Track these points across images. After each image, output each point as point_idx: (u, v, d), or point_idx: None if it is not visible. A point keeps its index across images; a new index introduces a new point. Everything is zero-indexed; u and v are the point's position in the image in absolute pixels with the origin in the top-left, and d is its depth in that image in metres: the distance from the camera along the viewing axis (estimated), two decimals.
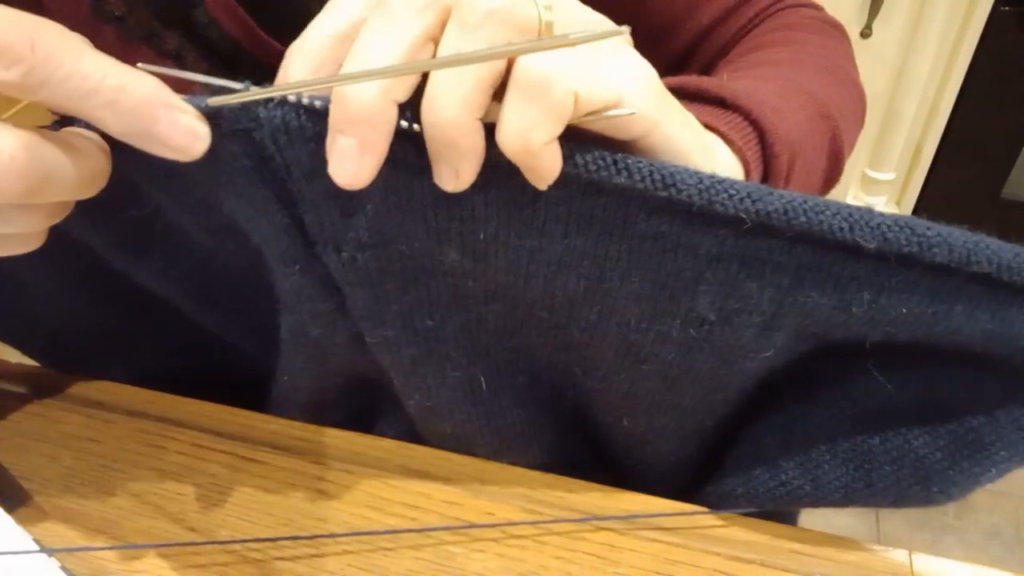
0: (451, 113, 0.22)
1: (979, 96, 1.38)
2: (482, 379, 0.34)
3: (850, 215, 0.25)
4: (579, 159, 0.25)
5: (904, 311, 0.26)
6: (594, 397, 0.35)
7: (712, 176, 0.25)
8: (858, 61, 0.46)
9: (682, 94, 0.29)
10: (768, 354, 0.30)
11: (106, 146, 0.25)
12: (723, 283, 0.27)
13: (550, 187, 0.24)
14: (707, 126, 0.31)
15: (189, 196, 0.30)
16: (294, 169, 0.25)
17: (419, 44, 0.23)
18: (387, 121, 0.22)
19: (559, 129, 0.23)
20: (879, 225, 0.24)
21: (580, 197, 0.26)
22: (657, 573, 0.33)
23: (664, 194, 0.25)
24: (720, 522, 0.35)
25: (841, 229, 0.25)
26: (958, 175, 1.48)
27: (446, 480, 0.37)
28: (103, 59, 0.23)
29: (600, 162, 0.25)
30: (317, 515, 0.36)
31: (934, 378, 0.30)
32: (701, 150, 0.28)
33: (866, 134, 1.51)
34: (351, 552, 0.34)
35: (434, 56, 0.23)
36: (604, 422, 0.37)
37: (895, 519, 1.25)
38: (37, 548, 0.33)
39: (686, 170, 0.25)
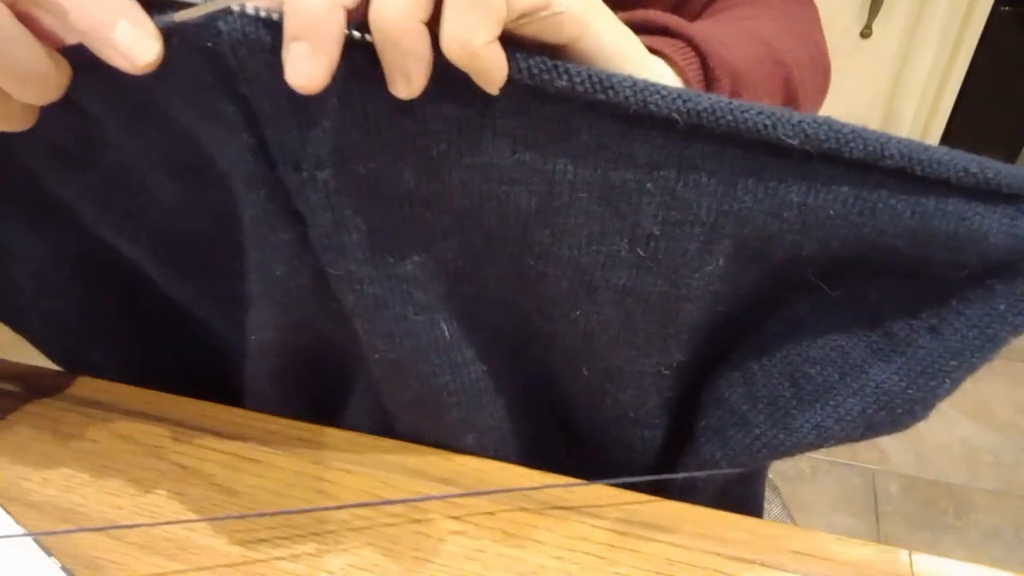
0: (396, 14, 0.24)
1: (979, 96, 1.38)
2: (444, 327, 0.34)
3: (772, 113, 0.26)
4: (521, 64, 0.26)
5: (831, 212, 0.28)
6: (553, 345, 0.36)
7: (646, 80, 0.26)
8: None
9: (630, 26, 0.31)
10: (711, 269, 0.31)
11: (66, 63, 0.27)
12: (663, 192, 0.29)
13: (496, 97, 0.26)
14: (650, 50, 0.32)
15: (156, 126, 0.31)
16: (254, 83, 0.26)
17: None
18: (335, 22, 0.24)
19: (497, 30, 0.24)
20: (799, 122, 0.26)
21: (525, 111, 0.27)
22: (657, 573, 0.33)
23: (602, 96, 0.26)
24: (720, 522, 0.35)
25: (765, 126, 0.26)
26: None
27: (446, 480, 0.37)
28: None
29: (541, 66, 0.26)
30: (317, 515, 0.36)
31: (874, 300, 0.32)
32: (638, 60, 0.30)
33: None
34: (351, 552, 0.34)
35: None
36: (565, 375, 0.37)
37: (895, 519, 1.25)
38: (37, 548, 0.33)
39: (621, 75, 0.26)
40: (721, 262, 0.31)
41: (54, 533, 0.35)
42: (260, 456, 0.39)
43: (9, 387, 0.43)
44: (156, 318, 0.44)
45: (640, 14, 0.35)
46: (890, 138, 0.26)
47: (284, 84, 0.24)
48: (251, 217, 0.32)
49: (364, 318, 0.33)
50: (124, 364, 0.45)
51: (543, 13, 0.25)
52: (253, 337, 0.38)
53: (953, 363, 0.30)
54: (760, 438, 0.35)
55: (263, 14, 0.25)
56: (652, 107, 0.26)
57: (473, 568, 0.33)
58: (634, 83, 0.26)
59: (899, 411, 0.32)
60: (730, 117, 0.26)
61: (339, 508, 0.36)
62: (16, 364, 0.45)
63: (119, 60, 0.25)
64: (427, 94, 0.25)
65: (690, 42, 0.33)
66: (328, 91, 0.25)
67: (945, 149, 0.26)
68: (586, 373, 0.37)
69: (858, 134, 0.26)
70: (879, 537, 1.22)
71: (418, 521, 0.35)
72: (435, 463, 0.38)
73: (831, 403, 0.33)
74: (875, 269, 0.30)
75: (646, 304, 0.33)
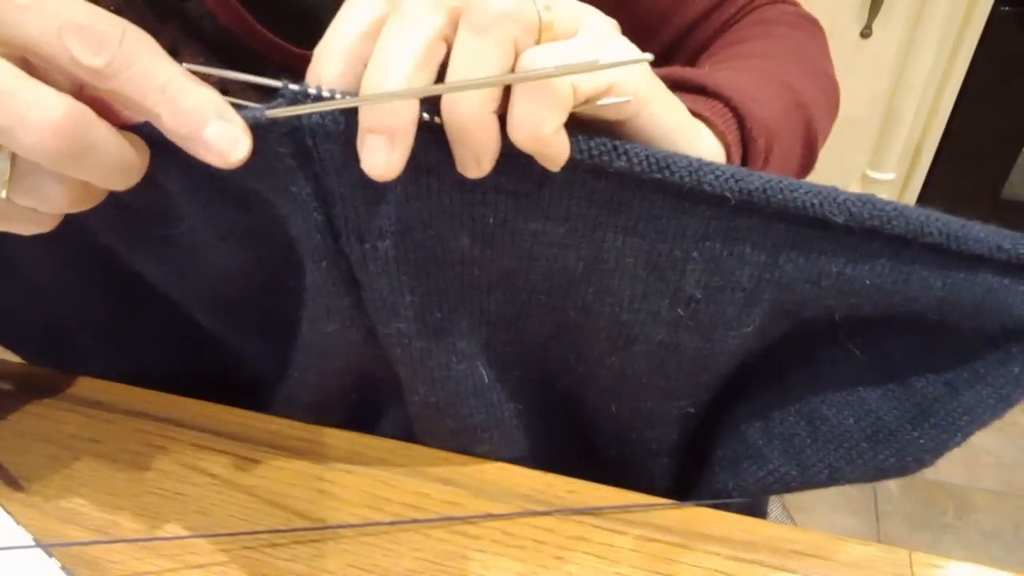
0: (471, 109, 0.25)
1: (979, 96, 1.38)
2: (483, 372, 0.36)
3: (819, 192, 0.28)
4: (583, 145, 0.27)
5: (868, 283, 0.29)
6: (585, 383, 0.38)
7: (700, 160, 0.28)
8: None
9: (666, 83, 0.32)
10: (748, 330, 0.33)
11: (146, 147, 0.27)
12: (708, 261, 0.30)
13: (555, 173, 0.27)
14: (691, 112, 0.33)
15: (226, 200, 0.32)
16: (328, 164, 0.28)
17: (434, 45, 0.25)
18: (413, 119, 0.25)
19: (563, 118, 0.25)
20: (844, 201, 0.28)
21: (582, 181, 0.29)
22: (657, 573, 0.33)
23: (658, 176, 0.28)
24: (720, 522, 0.35)
25: (812, 205, 0.28)
26: (958, 175, 1.48)
27: (446, 480, 0.37)
28: (173, 64, 0.25)
29: (602, 147, 0.27)
30: (317, 515, 0.36)
31: (896, 355, 0.33)
32: (687, 130, 0.31)
33: (866, 134, 1.51)
34: (351, 552, 0.34)
35: (447, 56, 0.25)
36: (593, 407, 0.39)
37: (895, 519, 1.25)
38: (33, 543, 0.33)
39: (677, 155, 0.28)
40: (757, 322, 0.32)
41: (63, 545, 0.35)
42: (260, 456, 0.39)
43: (9, 387, 0.43)
44: (163, 325, 0.44)
45: (677, 72, 0.36)
46: (929, 215, 0.28)
47: (357, 168, 0.25)
48: (310, 283, 0.33)
49: (408, 368, 0.35)
50: (130, 368, 0.45)
51: (606, 100, 0.26)
52: (296, 374, 0.40)
53: (966, 418, 0.32)
54: (773, 473, 0.36)
55: (338, 95, 0.26)
56: (707, 187, 0.28)
57: (473, 568, 0.33)
58: (689, 163, 0.28)
59: (909, 459, 0.34)
60: (780, 196, 0.28)
61: (388, 524, 0.36)
62: (16, 364, 0.45)
63: (211, 158, 0.25)
64: (487, 176, 0.27)
65: (728, 103, 0.34)
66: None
67: (980, 226, 0.28)
68: (615, 410, 0.38)
69: (900, 212, 0.27)
70: (879, 537, 1.22)
71: (418, 521, 0.35)
72: (436, 463, 0.38)
73: (844, 445, 0.34)
74: (899, 328, 0.32)
75: (681, 357, 0.35)
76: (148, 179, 0.28)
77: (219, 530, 0.35)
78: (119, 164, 0.26)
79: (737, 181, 0.28)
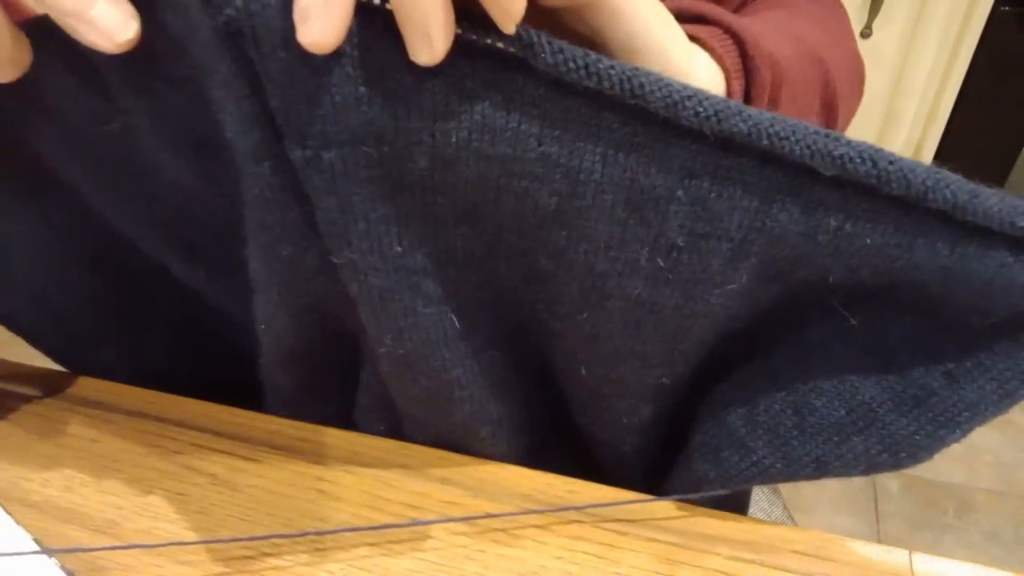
0: None
1: (979, 96, 1.38)
2: (454, 318, 0.33)
3: (814, 142, 0.25)
4: (548, 53, 0.24)
5: (868, 242, 0.26)
6: (557, 341, 0.35)
7: (683, 89, 0.25)
8: None
9: None
10: (733, 287, 0.30)
11: (24, 38, 0.26)
12: (694, 202, 0.27)
13: (522, 84, 0.25)
14: (687, 36, 0.31)
15: (164, 93, 0.30)
16: (262, 41, 0.24)
17: None
18: None
19: None
20: (841, 156, 0.25)
21: (554, 98, 0.25)
22: (657, 573, 0.33)
23: (632, 102, 0.25)
24: (720, 522, 0.35)
25: (802, 156, 0.25)
26: (958, 175, 1.48)
27: (445, 480, 0.37)
28: None
29: (571, 62, 0.24)
30: (317, 515, 0.36)
31: (893, 338, 0.30)
32: (675, 43, 0.29)
33: (866, 134, 1.51)
34: (352, 552, 0.34)
35: None
36: (563, 373, 0.36)
37: (895, 519, 1.25)
38: (37, 548, 0.33)
39: (657, 80, 0.25)
40: (744, 279, 0.30)
41: (67, 550, 0.35)
42: (260, 456, 0.39)
43: (9, 387, 0.43)
44: (167, 315, 0.44)
45: (674, 1, 0.33)
46: (939, 179, 0.25)
47: (294, 46, 0.23)
48: (255, 195, 0.30)
49: (369, 310, 0.32)
50: (133, 364, 0.44)
51: None
52: (263, 326, 0.37)
53: (966, 414, 0.29)
54: (757, 464, 0.34)
55: None
56: (684, 122, 0.25)
57: (473, 568, 0.33)
58: (668, 92, 0.25)
59: (903, 454, 0.31)
60: (766, 143, 0.25)
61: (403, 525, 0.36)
62: (16, 364, 0.45)
63: (97, 39, 0.24)
64: (451, 74, 0.24)
65: (728, 29, 0.32)
66: (342, 59, 0.24)
67: (996, 195, 0.25)
68: (584, 374, 0.36)
69: (902, 173, 0.25)
70: (879, 537, 1.22)
71: (418, 523, 0.35)
72: (435, 463, 0.38)
73: (834, 439, 0.32)
74: (899, 304, 0.29)
75: (658, 317, 0.32)
76: (77, 68, 0.27)
77: (219, 530, 0.35)
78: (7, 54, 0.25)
79: (719, 121, 0.25)
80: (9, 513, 0.36)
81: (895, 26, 1.35)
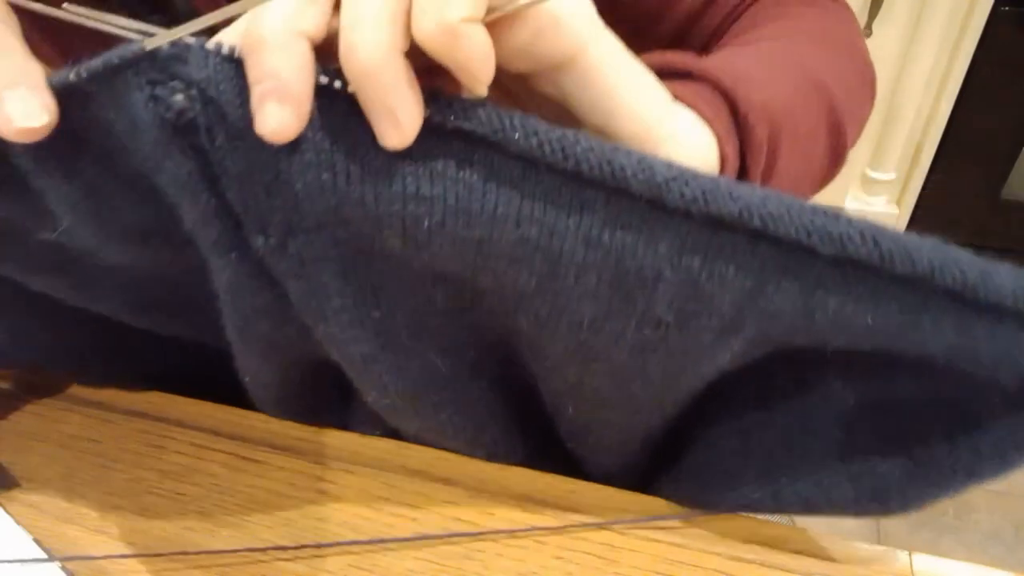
0: (372, 49, 0.21)
1: (979, 96, 1.38)
2: (439, 362, 0.32)
3: (811, 222, 0.23)
4: (517, 128, 0.23)
5: (870, 321, 0.25)
6: (541, 385, 0.34)
7: (666, 170, 0.23)
8: None
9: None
10: (724, 359, 0.29)
11: None
12: (683, 282, 0.25)
13: (497, 166, 0.23)
14: (673, 96, 0.29)
15: (107, 190, 0.28)
16: (217, 132, 0.23)
17: None
18: (301, 51, 0.21)
19: (482, 6, 0.21)
20: (840, 235, 0.23)
21: (532, 177, 0.24)
22: (657, 573, 0.33)
23: (613, 185, 0.23)
24: (720, 522, 0.35)
25: (798, 235, 0.23)
26: (958, 175, 1.48)
27: (445, 480, 0.37)
28: None
29: (547, 147, 0.23)
30: (317, 515, 0.36)
31: (894, 400, 0.29)
32: (659, 112, 0.27)
33: (866, 134, 1.51)
34: (351, 552, 0.34)
35: None
36: (551, 404, 0.35)
37: (895, 519, 1.25)
38: (37, 548, 0.33)
39: (639, 160, 0.23)
40: (737, 348, 0.28)
41: (75, 559, 0.35)
42: (260, 456, 0.39)
43: (9, 387, 0.43)
44: (152, 345, 0.42)
45: (657, 57, 0.31)
46: (946, 258, 0.23)
47: (251, 134, 0.21)
48: (224, 281, 0.29)
49: (353, 373, 0.31)
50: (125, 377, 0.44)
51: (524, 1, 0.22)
52: (247, 379, 0.37)
53: (961, 477, 0.28)
54: (745, 496, 0.33)
55: (226, 51, 0.22)
56: (670, 204, 0.23)
57: (473, 568, 0.33)
58: (650, 176, 0.23)
59: (892, 504, 0.30)
60: (758, 223, 0.23)
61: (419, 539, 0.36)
62: None
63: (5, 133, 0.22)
64: (421, 155, 0.23)
65: (717, 85, 0.30)
66: (303, 145, 0.22)
67: (1006, 271, 0.23)
68: (571, 412, 0.35)
69: (908, 252, 0.23)
70: (879, 537, 1.21)
71: (417, 520, 0.35)
72: (435, 463, 0.38)
73: (826, 482, 0.31)
74: (901, 368, 0.28)
75: (645, 378, 0.31)
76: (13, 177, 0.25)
77: (219, 530, 0.35)
78: None
79: (708, 203, 0.23)
80: (9, 513, 0.35)
81: (895, 26, 1.35)
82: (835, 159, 0.38)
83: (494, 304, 0.29)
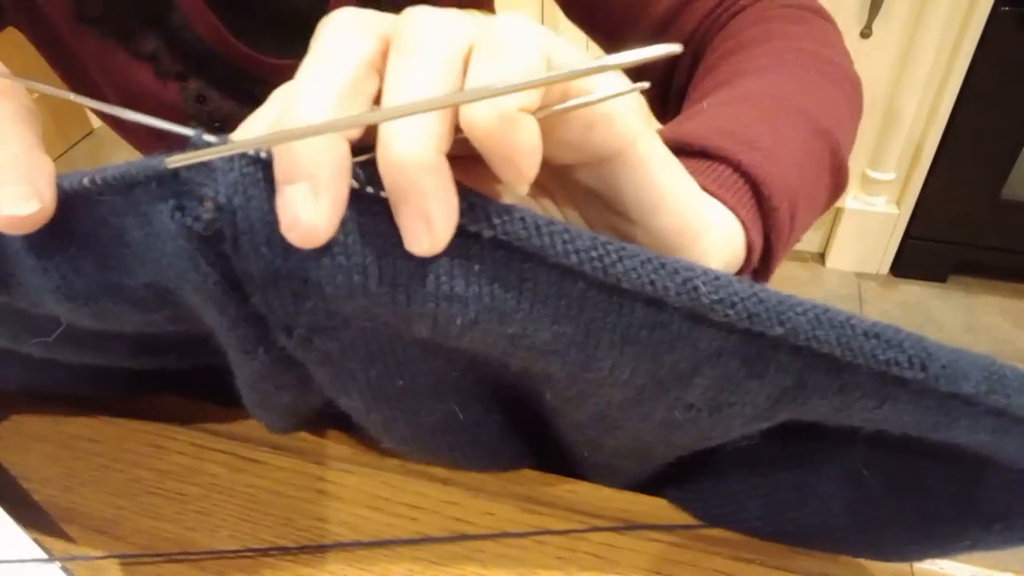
0: (411, 148, 0.19)
1: (979, 96, 1.38)
2: (457, 410, 0.31)
3: (860, 346, 0.23)
4: (562, 254, 0.22)
5: (905, 419, 0.25)
6: (561, 432, 0.34)
7: (712, 292, 0.23)
8: (858, 61, 0.45)
9: None
10: (751, 436, 0.29)
11: None
12: (720, 378, 0.25)
13: (536, 272, 0.22)
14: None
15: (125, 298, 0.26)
16: (243, 240, 0.21)
17: (362, 76, 0.21)
18: (338, 157, 0.20)
19: (537, 96, 0.20)
20: (887, 361, 0.23)
21: (572, 284, 0.23)
22: (657, 573, 0.33)
23: (652, 294, 0.23)
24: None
25: (844, 356, 0.23)
26: (958, 175, 1.48)
27: (445, 480, 0.37)
28: None
29: (589, 264, 0.22)
30: (317, 515, 0.36)
31: (912, 460, 0.29)
32: (695, 203, 0.26)
33: (866, 134, 1.51)
34: (351, 552, 0.34)
35: (380, 91, 0.21)
36: (567, 447, 0.35)
37: None
38: (45, 557, 0.33)
39: (684, 280, 0.23)
40: (764, 427, 0.28)
41: (73, 559, 0.35)
42: (260, 456, 0.39)
43: None
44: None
45: (670, 132, 0.30)
46: (995, 382, 0.23)
47: (277, 241, 0.20)
48: (249, 372, 0.28)
49: (372, 430, 0.32)
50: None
51: (587, 98, 0.22)
52: (264, 422, 0.37)
53: (966, 543, 0.29)
54: (748, 522, 0.34)
55: (264, 155, 0.20)
56: (713, 319, 0.23)
57: (473, 568, 0.33)
58: (695, 297, 0.23)
59: (892, 557, 0.31)
60: (804, 342, 0.23)
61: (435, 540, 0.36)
62: None
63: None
64: (456, 256, 0.22)
65: (737, 167, 0.29)
66: (333, 249, 0.21)
67: None
68: (586, 455, 0.35)
69: (955, 378, 0.23)
70: None
71: (416, 520, 0.35)
72: (435, 463, 0.38)
73: (832, 529, 0.31)
74: (925, 455, 0.28)
75: (668, 444, 0.31)
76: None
77: (219, 530, 0.35)
78: None
79: (753, 324, 0.23)
80: (9, 513, 0.36)
81: (895, 26, 1.35)
82: (835, 196, 0.39)
83: (520, 379, 0.29)
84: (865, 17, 1.35)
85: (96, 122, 2.20)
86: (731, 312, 0.23)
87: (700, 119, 0.33)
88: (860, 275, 1.67)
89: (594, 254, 0.22)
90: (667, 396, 0.27)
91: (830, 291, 1.62)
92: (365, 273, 0.22)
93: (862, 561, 0.33)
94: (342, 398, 0.28)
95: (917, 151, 1.49)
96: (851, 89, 0.42)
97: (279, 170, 0.20)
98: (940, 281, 1.64)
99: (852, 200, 1.58)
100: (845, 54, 0.44)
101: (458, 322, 0.23)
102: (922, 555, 0.31)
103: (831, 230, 1.65)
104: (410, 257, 0.21)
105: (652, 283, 0.23)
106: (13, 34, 0.47)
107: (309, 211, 0.19)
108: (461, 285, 0.23)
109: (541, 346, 0.25)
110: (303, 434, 0.40)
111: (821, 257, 1.69)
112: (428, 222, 0.20)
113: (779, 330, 0.23)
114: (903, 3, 1.32)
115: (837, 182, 0.38)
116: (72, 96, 0.24)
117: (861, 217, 1.59)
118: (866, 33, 1.35)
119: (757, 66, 0.40)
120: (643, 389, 0.26)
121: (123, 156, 0.27)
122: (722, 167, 0.30)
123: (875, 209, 1.58)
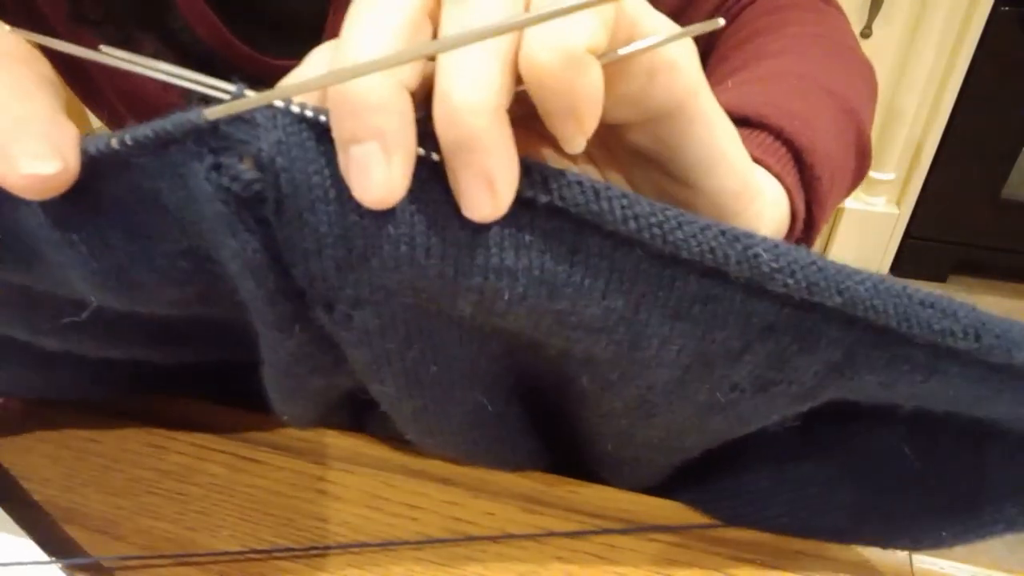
0: (473, 98, 0.18)
1: (979, 96, 1.38)
2: (484, 400, 0.30)
3: (915, 314, 0.22)
4: (620, 220, 0.21)
5: (951, 393, 0.24)
6: (583, 426, 0.33)
7: (772, 260, 0.22)
8: None
9: None
10: (791, 417, 0.28)
11: None
12: (770, 354, 0.24)
13: (589, 240, 0.21)
14: None
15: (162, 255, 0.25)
16: (287, 204, 0.20)
17: (418, 16, 0.19)
18: (405, 108, 0.18)
19: (604, 36, 0.18)
20: (942, 330, 0.22)
21: (625, 253, 0.22)
22: (657, 573, 0.33)
23: (711, 264, 0.22)
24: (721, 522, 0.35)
25: (899, 326, 0.23)
26: (958, 175, 1.48)
27: (445, 480, 0.37)
28: None
29: (647, 232, 0.21)
30: (317, 515, 0.36)
31: (945, 448, 0.29)
32: (750, 163, 0.25)
33: None
34: (351, 552, 0.34)
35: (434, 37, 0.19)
36: (588, 441, 0.35)
37: None
38: (45, 558, 0.33)
39: (744, 248, 0.22)
40: (805, 409, 0.27)
41: (73, 562, 0.35)
42: (260, 456, 0.39)
43: None
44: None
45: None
46: None
47: (324, 209, 0.20)
48: (284, 352, 0.27)
49: (401, 420, 0.31)
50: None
51: (653, 39, 0.20)
52: (285, 417, 0.37)
53: (1000, 526, 0.28)
54: (773, 519, 0.33)
55: (309, 113, 0.19)
56: (771, 290, 0.22)
57: (474, 568, 0.33)
58: (755, 265, 0.22)
59: (921, 544, 0.31)
60: (861, 314, 0.22)
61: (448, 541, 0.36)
62: None
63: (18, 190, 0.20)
64: (509, 226, 0.21)
65: (779, 135, 0.29)
66: (380, 217, 0.20)
67: None
68: (610, 448, 0.34)
69: (1007, 348, 0.22)
70: None
71: (416, 520, 0.35)
72: (435, 464, 0.38)
73: (856, 516, 0.31)
74: (961, 423, 0.27)
75: (701, 431, 0.30)
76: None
77: (219, 530, 0.35)
78: None
79: (812, 293, 0.22)
80: (9, 513, 0.35)
81: (895, 26, 1.35)
82: (858, 180, 0.38)
83: (557, 361, 0.28)
84: (865, 17, 1.35)
85: (96, 122, 2.20)
86: (791, 281, 0.22)
87: (731, 94, 0.32)
88: None
89: (653, 220, 0.21)
90: (712, 376, 0.25)
91: None
92: (413, 243, 0.21)
93: (863, 560, 0.33)
94: (375, 383, 0.27)
95: (917, 151, 1.49)
96: (868, 73, 0.42)
97: (342, 128, 0.18)
98: (940, 281, 1.64)
99: (852, 200, 1.58)
100: (857, 43, 0.44)
101: (506, 297, 0.22)
102: (957, 540, 0.31)
103: (831, 230, 1.65)
104: (460, 226, 0.20)
105: (712, 251, 0.21)
106: None
107: (383, 173, 0.18)
108: (511, 257, 0.21)
109: (588, 323, 0.24)
110: (303, 434, 0.40)
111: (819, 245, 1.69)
112: (491, 183, 0.19)
113: (838, 299, 0.22)
114: (903, 3, 1.33)
115: (861, 165, 0.37)
116: (97, 56, 0.22)
117: (861, 217, 1.59)
118: (866, 33, 1.35)
119: (776, 49, 0.39)
120: (688, 368, 0.25)
121: None
122: (764, 134, 0.29)
123: (875, 209, 1.58)
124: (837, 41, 0.42)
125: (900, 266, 1.64)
